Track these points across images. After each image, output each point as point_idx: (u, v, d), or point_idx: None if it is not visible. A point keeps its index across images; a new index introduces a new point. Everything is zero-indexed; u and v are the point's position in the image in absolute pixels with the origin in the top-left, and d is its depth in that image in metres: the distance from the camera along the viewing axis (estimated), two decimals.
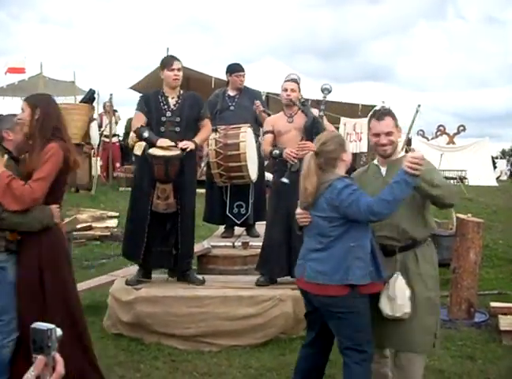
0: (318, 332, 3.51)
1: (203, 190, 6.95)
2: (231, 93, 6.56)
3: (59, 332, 1.44)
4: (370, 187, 3.35)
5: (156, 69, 14.22)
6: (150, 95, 5.14)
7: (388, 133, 3.37)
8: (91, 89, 13.31)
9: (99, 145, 12.88)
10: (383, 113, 3.44)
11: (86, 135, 12.48)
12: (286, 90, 5.17)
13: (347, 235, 3.20)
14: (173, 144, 4.85)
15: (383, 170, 3.44)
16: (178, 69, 4.99)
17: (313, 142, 4.88)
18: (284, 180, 4.89)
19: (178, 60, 5.04)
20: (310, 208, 3.32)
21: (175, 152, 4.81)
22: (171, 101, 5.01)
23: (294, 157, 4.90)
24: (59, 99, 15.59)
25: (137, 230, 5.05)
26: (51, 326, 1.43)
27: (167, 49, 13.36)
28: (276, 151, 5.05)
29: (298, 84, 5.28)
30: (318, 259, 3.27)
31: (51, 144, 3.42)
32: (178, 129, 4.95)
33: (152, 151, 4.80)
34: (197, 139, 5.00)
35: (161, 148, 4.81)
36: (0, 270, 3.44)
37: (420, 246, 3.40)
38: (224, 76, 6.96)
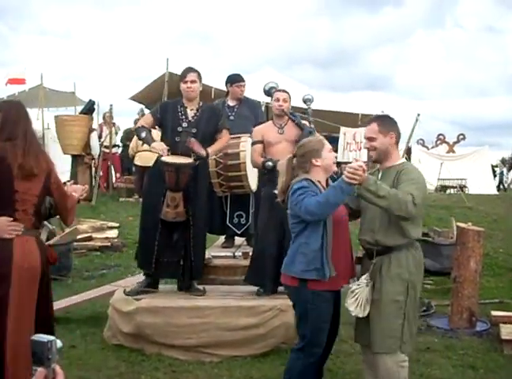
0: None
1: None
2: (231, 103, 6.58)
3: (59, 343, 1.44)
4: None
5: (155, 79, 14.33)
6: (170, 103, 5.24)
7: (369, 138, 3.53)
8: (90, 100, 13.36)
9: (99, 156, 12.89)
10: (372, 118, 3.57)
11: (86, 146, 12.51)
12: (278, 100, 5.17)
13: (302, 232, 3.44)
14: (167, 148, 4.85)
15: (380, 175, 3.53)
16: (192, 81, 5.03)
17: None
18: (276, 192, 4.89)
19: (195, 71, 5.09)
20: (285, 204, 3.58)
21: (187, 161, 4.83)
22: (190, 112, 5.06)
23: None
24: (60, 110, 15.70)
25: (148, 239, 5.06)
26: (52, 338, 1.43)
27: (167, 59, 13.43)
28: (270, 163, 5.04)
29: (289, 94, 5.28)
30: (289, 252, 3.58)
31: None
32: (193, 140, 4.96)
33: (165, 158, 4.81)
34: (210, 148, 5.02)
35: (174, 155, 4.85)
36: None
37: (396, 252, 3.47)
38: (223, 87, 6.98)
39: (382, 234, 3.47)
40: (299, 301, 3.55)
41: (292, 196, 3.40)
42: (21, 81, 15.88)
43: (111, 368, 4.56)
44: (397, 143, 3.63)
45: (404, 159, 3.85)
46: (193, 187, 4.96)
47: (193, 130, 4.99)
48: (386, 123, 3.55)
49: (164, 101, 5.51)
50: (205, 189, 5.28)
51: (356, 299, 3.43)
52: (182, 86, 5.05)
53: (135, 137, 10.07)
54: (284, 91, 5.30)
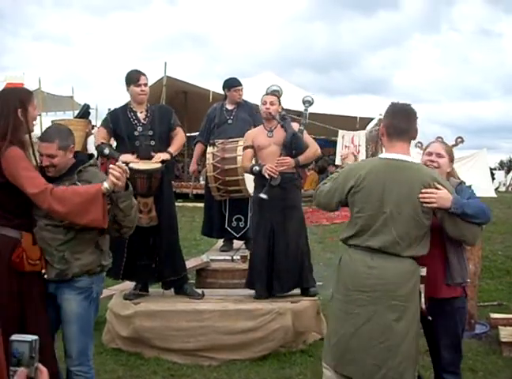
0: None
1: (202, 204, 6.96)
2: (229, 107, 6.58)
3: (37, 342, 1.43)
4: None
5: (153, 83, 14.34)
6: (118, 110, 5.13)
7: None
8: (85, 104, 13.32)
9: (96, 160, 12.88)
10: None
11: (84, 150, 12.48)
12: (265, 103, 5.15)
13: None
14: (134, 157, 4.81)
15: None
16: (145, 84, 4.96)
17: (292, 157, 4.98)
18: (263, 196, 4.89)
19: (144, 75, 5.01)
20: None
21: (157, 166, 4.80)
22: (140, 115, 4.99)
23: (274, 172, 4.91)
24: (58, 115, 15.71)
25: (118, 247, 4.95)
26: (34, 337, 1.41)
27: (165, 63, 13.48)
28: (256, 168, 5.06)
29: (278, 97, 5.26)
30: None
31: None
32: (152, 142, 4.93)
33: (134, 165, 4.77)
34: (172, 149, 4.98)
35: (141, 161, 4.79)
36: None
37: None
38: (221, 90, 6.98)
39: None
40: None
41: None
42: (19, 86, 15.88)
43: (109, 372, 4.55)
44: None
45: None
46: (160, 190, 4.94)
47: (150, 133, 4.94)
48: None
49: (111, 110, 5.45)
50: (171, 191, 5.27)
51: None
52: (135, 89, 4.93)
53: None
54: (273, 94, 5.28)
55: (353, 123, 15.18)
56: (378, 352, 3.08)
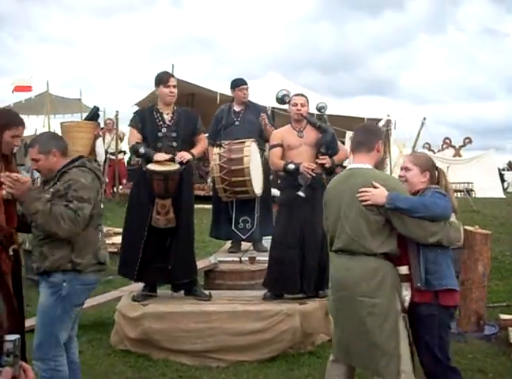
0: None
1: (210, 206, 6.96)
2: (237, 108, 6.58)
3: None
4: None
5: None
6: (145, 110, 5.16)
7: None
8: (94, 106, 13.38)
9: (105, 162, 12.92)
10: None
11: (92, 152, 12.51)
12: (296, 105, 5.17)
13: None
14: (170, 157, 4.86)
15: None
16: (174, 86, 5.00)
17: (330, 157, 5.02)
18: (301, 194, 4.89)
19: (174, 76, 5.06)
20: None
21: (175, 167, 4.81)
22: (166, 117, 5.01)
23: (312, 171, 4.92)
24: (66, 117, 15.77)
25: (133, 247, 5.02)
26: (17, 336, 1.42)
27: (172, 65, 13.46)
28: (292, 166, 5.02)
29: (307, 98, 5.29)
30: None
31: None
32: (175, 144, 4.95)
33: (151, 166, 4.80)
34: (195, 151, 5.01)
35: (159, 163, 4.82)
36: None
37: None
38: (228, 92, 6.99)
39: None
40: None
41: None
42: (28, 89, 15.97)
43: (117, 373, 4.56)
44: None
45: None
46: (179, 192, 4.94)
47: (173, 134, 4.96)
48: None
49: (138, 109, 5.46)
50: (191, 193, 5.25)
51: None
52: (164, 90, 4.97)
53: None
54: (302, 95, 5.32)
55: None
56: (362, 348, 3.37)
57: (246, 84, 6.61)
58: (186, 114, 5.16)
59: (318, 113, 5.76)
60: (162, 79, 5.01)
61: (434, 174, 3.61)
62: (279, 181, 5.40)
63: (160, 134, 4.95)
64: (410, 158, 3.72)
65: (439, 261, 3.39)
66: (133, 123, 5.06)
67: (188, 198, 5.10)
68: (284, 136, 5.24)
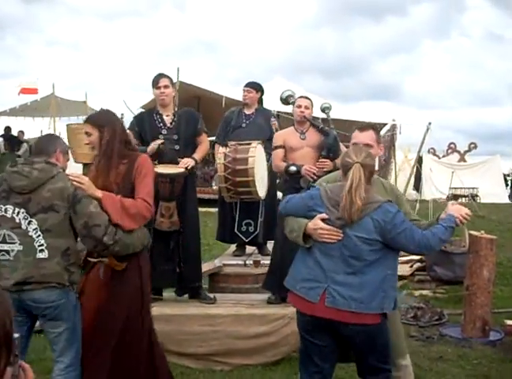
0: (333, 363, 3.32)
1: (214, 209, 6.96)
2: (247, 111, 6.57)
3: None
4: None
5: None
6: (145, 113, 5.16)
7: (366, 145, 3.36)
8: (101, 109, 13.43)
9: None
10: (367, 125, 3.50)
11: None
12: (300, 106, 5.19)
13: (384, 262, 3.06)
14: (158, 142, 4.82)
15: None
16: (165, 86, 4.92)
17: (331, 160, 5.00)
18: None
19: (166, 76, 4.99)
20: (347, 226, 3.07)
21: (180, 170, 4.80)
22: (167, 119, 4.98)
23: (313, 174, 4.92)
24: (72, 119, 15.83)
25: None
26: (17, 335, 1.41)
27: (178, 69, 13.51)
28: (294, 168, 5.02)
29: (311, 100, 5.30)
30: (349, 284, 3.03)
31: (143, 156, 3.46)
32: (177, 146, 4.92)
33: (157, 169, 4.80)
34: (197, 155, 4.98)
35: (165, 166, 4.81)
36: (77, 301, 3.38)
37: None
38: (233, 96, 7.00)
39: None
40: (381, 336, 3.14)
41: (393, 220, 3.03)
42: (34, 91, 16.04)
43: None
44: None
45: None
46: (183, 195, 4.94)
47: (175, 137, 4.93)
48: (378, 134, 3.53)
49: (138, 112, 5.46)
50: (195, 196, 5.23)
51: None
52: (156, 92, 4.94)
53: None
54: (306, 97, 5.34)
55: None
56: None
57: (248, 85, 6.58)
58: (187, 114, 5.14)
59: (322, 115, 5.74)
60: (153, 81, 4.97)
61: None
62: (285, 184, 5.38)
63: (160, 137, 4.92)
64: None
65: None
66: (130, 127, 5.05)
67: (193, 201, 5.10)
68: (286, 137, 5.24)
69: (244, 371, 4.69)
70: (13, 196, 3.17)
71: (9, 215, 3.15)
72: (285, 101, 5.64)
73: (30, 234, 3.13)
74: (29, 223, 3.14)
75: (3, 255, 3.15)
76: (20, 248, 3.13)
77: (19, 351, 1.42)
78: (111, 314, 3.42)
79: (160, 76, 4.98)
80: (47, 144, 3.44)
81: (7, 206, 3.16)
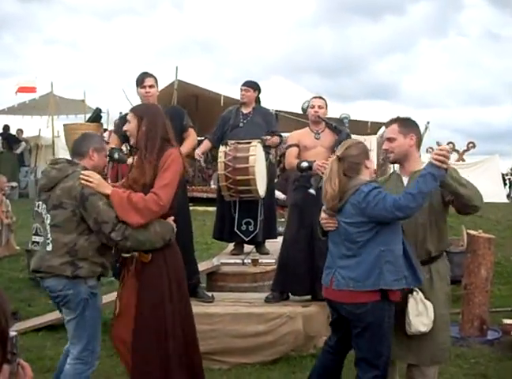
0: (340, 337, 3.51)
1: (212, 208, 6.95)
2: (245, 110, 6.55)
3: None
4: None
5: (164, 88, 14.40)
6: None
7: (389, 139, 3.42)
8: (97, 108, 13.40)
9: (108, 163, 12.92)
10: (392, 120, 3.49)
11: None
12: (314, 106, 5.19)
13: (376, 240, 3.17)
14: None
15: (405, 179, 3.44)
16: (150, 86, 4.89)
17: None
18: (312, 191, 4.88)
19: (151, 76, 4.95)
20: (336, 213, 3.29)
21: None
22: None
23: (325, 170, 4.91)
24: (70, 118, 15.80)
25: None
26: (14, 333, 1.41)
27: (176, 68, 13.50)
28: (305, 164, 5.00)
29: (325, 101, 5.30)
30: (348, 266, 3.23)
31: (171, 150, 3.43)
32: None
33: None
34: (183, 150, 4.96)
35: None
36: (92, 296, 3.49)
37: (435, 262, 3.39)
38: (232, 95, 6.99)
39: (428, 239, 3.35)
40: (379, 317, 3.19)
41: (366, 198, 3.13)
42: (32, 90, 16.01)
43: (120, 375, 4.56)
44: (418, 146, 3.50)
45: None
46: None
47: None
48: (407, 124, 3.45)
49: (122, 114, 5.42)
50: (185, 192, 5.22)
51: (422, 315, 3.29)
52: (141, 91, 4.91)
53: None
54: (320, 97, 5.34)
55: (364, 128, 15.12)
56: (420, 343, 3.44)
57: (244, 85, 6.56)
58: (171, 112, 5.08)
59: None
60: (137, 80, 4.94)
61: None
62: (294, 182, 5.36)
63: None
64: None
65: None
66: (114, 129, 5.03)
67: (182, 197, 5.09)
68: (300, 137, 5.25)
69: (242, 370, 4.70)
70: (41, 193, 3.48)
71: (39, 210, 3.47)
72: (305, 111, 5.64)
73: (46, 228, 3.42)
74: (47, 218, 3.42)
75: (35, 246, 3.49)
76: (42, 240, 3.43)
77: (17, 350, 1.41)
78: (140, 300, 3.45)
79: (145, 75, 4.94)
80: (80, 146, 3.59)
81: (39, 202, 3.49)
